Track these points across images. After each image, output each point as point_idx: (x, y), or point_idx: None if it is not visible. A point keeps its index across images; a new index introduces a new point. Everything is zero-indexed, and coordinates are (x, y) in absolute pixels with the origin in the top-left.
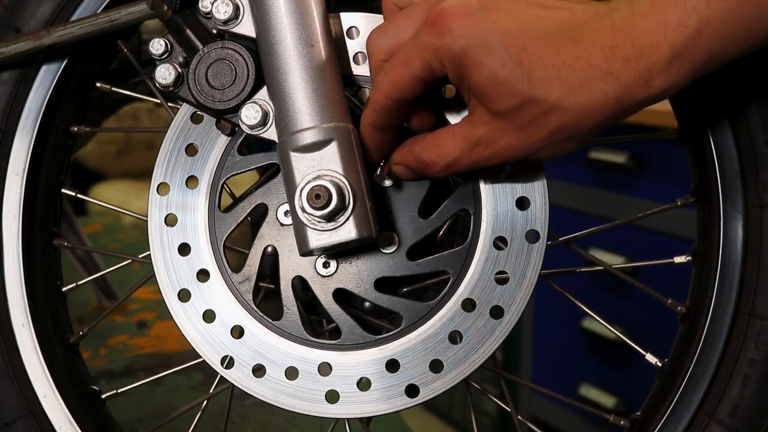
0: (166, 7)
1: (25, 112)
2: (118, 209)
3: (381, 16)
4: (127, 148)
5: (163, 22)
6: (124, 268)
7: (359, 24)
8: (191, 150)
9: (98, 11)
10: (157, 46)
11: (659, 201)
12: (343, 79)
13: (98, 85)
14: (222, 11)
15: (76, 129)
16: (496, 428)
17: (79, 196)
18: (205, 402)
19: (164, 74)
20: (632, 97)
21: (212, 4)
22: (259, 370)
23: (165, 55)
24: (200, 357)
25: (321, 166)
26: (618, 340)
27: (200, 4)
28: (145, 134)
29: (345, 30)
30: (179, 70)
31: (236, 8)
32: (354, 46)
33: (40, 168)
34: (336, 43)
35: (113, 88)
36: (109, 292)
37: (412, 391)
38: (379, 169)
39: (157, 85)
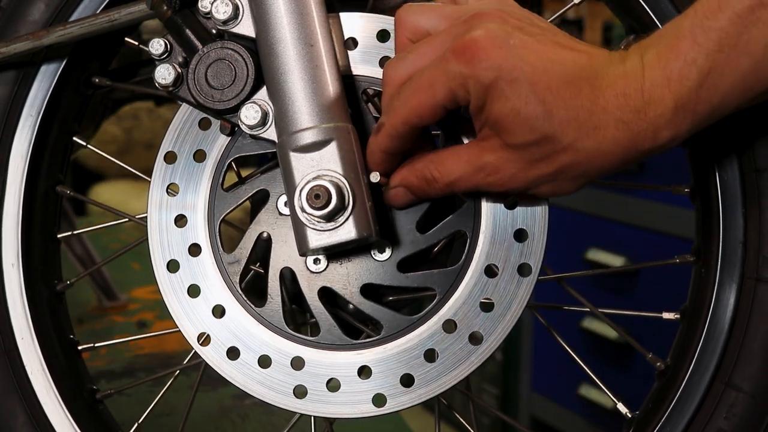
0: (165, 7)
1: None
2: (116, 211)
3: (381, 16)
4: (127, 148)
5: (163, 22)
6: (124, 268)
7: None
8: (205, 123)
9: (98, 11)
10: (156, 46)
11: (659, 201)
12: (343, 79)
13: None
14: (221, 11)
15: (97, 80)
16: (496, 428)
17: (76, 195)
18: (177, 372)
19: (164, 74)
20: (639, 146)
21: (212, 4)
22: (233, 353)
23: (165, 55)
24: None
25: (320, 166)
26: (618, 339)
27: (200, 4)
28: (146, 134)
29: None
30: (179, 70)
31: (236, 8)
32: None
33: (40, 169)
34: (336, 43)
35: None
36: (109, 292)
37: (378, 400)
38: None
39: (156, 85)
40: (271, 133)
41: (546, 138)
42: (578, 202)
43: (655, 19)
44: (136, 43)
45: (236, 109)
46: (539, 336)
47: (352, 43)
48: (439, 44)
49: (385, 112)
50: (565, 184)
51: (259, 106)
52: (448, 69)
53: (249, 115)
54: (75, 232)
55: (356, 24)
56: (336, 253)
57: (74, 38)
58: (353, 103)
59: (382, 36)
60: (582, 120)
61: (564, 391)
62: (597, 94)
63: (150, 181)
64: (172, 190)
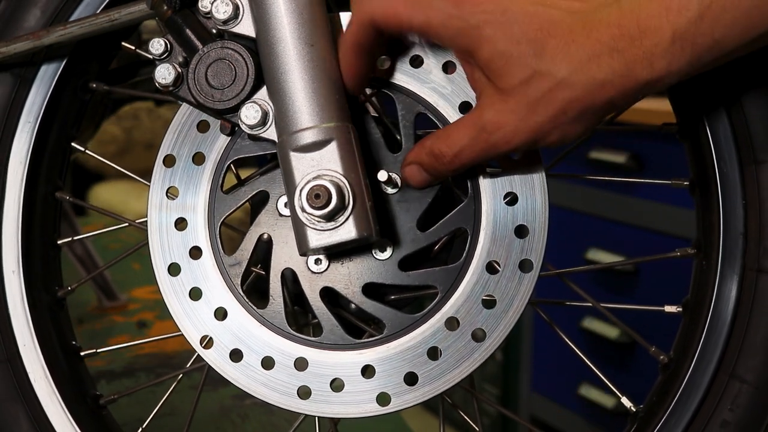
0: (165, 7)
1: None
2: (117, 216)
3: None
4: (127, 148)
5: (163, 22)
6: (124, 268)
7: None
8: (203, 126)
9: (98, 11)
10: (156, 46)
11: (659, 201)
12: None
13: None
14: (222, 11)
15: (95, 85)
16: (496, 428)
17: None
18: (180, 375)
19: (164, 74)
20: (636, 75)
21: (212, 3)
22: (236, 355)
23: (165, 55)
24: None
25: (321, 166)
26: (618, 339)
27: (200, 4)
28: (146, 134)
29: None
30: (179, 69)
31: (236, 8)
32: None
33: (39, 174)
34: (336, 43)
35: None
36: (109, 292)
37: (383, 399)
38: (387, 176)
39: (156, 85)
40: (271, 132)
41: (538, 74)
42: (578, 202)
43: None
44: (133, 48)
45: (236, 108)
46: (539, 336)
47: None
48: None
49: (355, 6)
50: (571, 127)
51: (260, 105)
52: (434, 1)
53: (249, 114)
54: (75, 237)
55: None
56: (337, 252)
57: (74, 38)
58: (353, 103)
59: None
60: (573, 53)
61: (564, 391)
62: (590, 28)
63: (149, 185)
64: (171, 193)
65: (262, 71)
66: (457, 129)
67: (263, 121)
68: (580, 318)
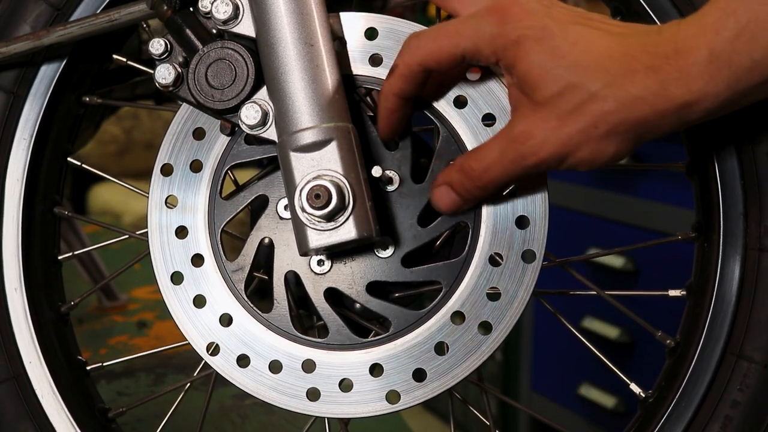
0: (165, 7)
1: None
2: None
3: (382, 15)
4: (127, 148)
5: (163, 22)
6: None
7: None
8: (199, 134)
9: (98, 11)
10: (156, 46)
11: (659, 201)
12: (343, 79)
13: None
14: (222, 11)
15: (88, 99)
16: (497, 426)
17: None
18: (188, 385)
19: (164, 74)
20: (671, 95)
21: (212, 3)
22: (243, 360)
23: (165, 55)
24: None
25: (321, 166)
26: (618, 339)
27: (200, 4)
28: (145, 134)
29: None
30: (179, 70)
31: (236, 8)
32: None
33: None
34: (336, 43)
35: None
36: (109, 292)
37: (392, 397)
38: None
39: (156, 85)
40: (271, 132)
41: (571, 86)
42: (578, 202)
43: (656, 19)
44: (124, 60)
45: (236, 108)
46: (539, 336)
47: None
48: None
49: (401, 53)
50: (602, 145)
51: (260, 105)
52: (478, 24)
53: (249, 114)
54: (76, 252)
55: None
56: (339, 252)
57: (74, 38)
58: (353, 103)
59: (371, 34)
60: (608, 67)
61: (564, 391)
62: (626, 46)
63: (148, 196)
64: (170, 202)
65: (262, 71)
66: (487, 144)
67: (263, 121)
68: (580, 318)
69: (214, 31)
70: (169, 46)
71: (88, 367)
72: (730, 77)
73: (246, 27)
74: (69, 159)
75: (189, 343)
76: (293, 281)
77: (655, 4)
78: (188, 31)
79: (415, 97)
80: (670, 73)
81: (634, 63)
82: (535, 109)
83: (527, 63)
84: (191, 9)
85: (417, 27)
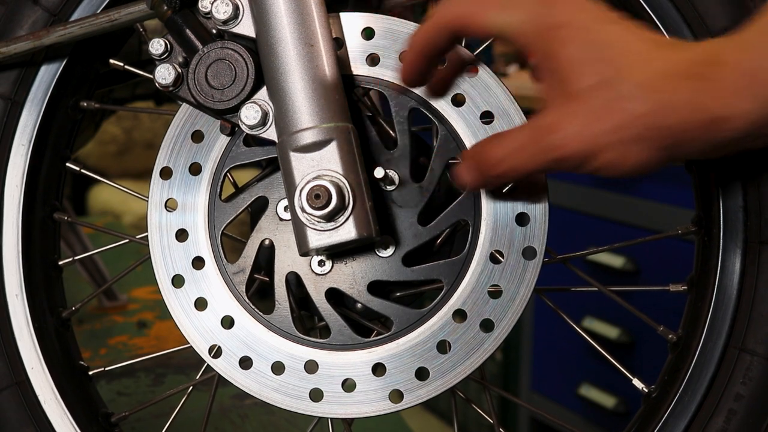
0: (165, 7)
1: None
2: (117, 233)
3: (379, 15)
4: (127, 148)
5: (163, 22)
6: (124, 268)
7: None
8: (197, 136)
9: (98, 11)
10: (156, 46)
11: (659, 201)
12: (343, 79)
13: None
14: (222, 11)
15: (85, 104)
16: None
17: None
18: (191, 388)
19: (164, 74)
20: (702, 106)
21: (212, 4)
22: (245, 362)
23: (165, 55)
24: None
25: (321, 166)
26: (618, 339)
27: (200, 4)
28: (146, 134)
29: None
30: (179, 70)
31: (236, 8)
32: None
33: (35, 197)
34: (336, 43)
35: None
36: (109, 292)
37: (395, 396)
38: (383, 173)
39: (156, 85)
40: (271, 133)
41: (607, 81)
42: (578, 202)
43: (656, 20)
44: (121, 65)
45: (236, 109)
46: (539, 336)
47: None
48: None
49: (438, 8)
50: (630, 150)
51: (259, 106)
52: (525, 1)
53: (249, 115)
54: (76, 257)
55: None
56: (340, 253)
57: (74, 38)
58: (352, 103)
59: (368, 34)
60: (646, 69)
61: (564, 391)
62: (666, 52)
63: (147, 200)
64: (170, 206)
65: (262, 71)
66: (514, 129)
67: (263, 122)
68: (580, 318)
69: (214, 31)
70: (169, 46)
71: (91, 372)
72: (765, 97)
73: (246, 27)
74: (68, 164)
75: (191, 346)
76: (294, 282)
77: (655, 4)
78: (188, 32)
79: (438, 57)
80: (704, 84)
81: (672, 69)
82: (567, 100)
83: (565, 53)
84: (191, 9)
85: (415, 26)
